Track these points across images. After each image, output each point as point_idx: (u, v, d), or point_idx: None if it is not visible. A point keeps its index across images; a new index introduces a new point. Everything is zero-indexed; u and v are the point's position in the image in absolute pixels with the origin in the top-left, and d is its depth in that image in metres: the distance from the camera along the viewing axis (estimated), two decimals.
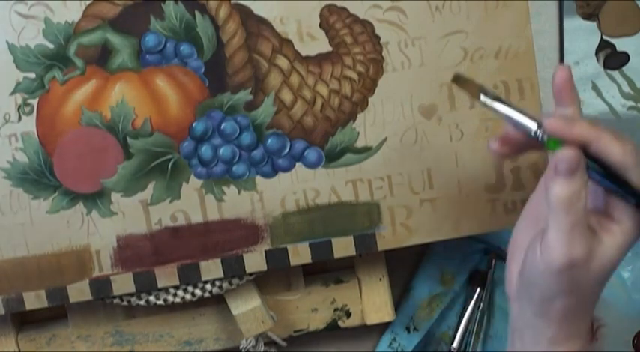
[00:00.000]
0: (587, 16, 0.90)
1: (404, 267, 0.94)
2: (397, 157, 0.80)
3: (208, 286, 0.83)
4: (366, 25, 0.78)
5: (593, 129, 0.63)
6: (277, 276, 0.88)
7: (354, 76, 0.79)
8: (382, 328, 0.94)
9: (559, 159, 0.61)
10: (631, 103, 0.92)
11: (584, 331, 0.67)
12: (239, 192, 0.80)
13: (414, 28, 0.78)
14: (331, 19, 0.78)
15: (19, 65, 0.76)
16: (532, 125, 0.63)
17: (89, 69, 0.77)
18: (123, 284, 0.81)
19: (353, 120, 0.80)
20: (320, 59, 0.78)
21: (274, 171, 0.80)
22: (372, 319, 0.90)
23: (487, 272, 0.94)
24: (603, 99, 0.92)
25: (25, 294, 0.80)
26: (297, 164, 0.80)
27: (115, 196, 0.79)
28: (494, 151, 0.67)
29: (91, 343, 0.88)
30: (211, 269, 0.81)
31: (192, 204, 0.80)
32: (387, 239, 0.82)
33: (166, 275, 0.81)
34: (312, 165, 0.80)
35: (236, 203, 0.80)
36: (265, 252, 0.81)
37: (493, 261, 0.94)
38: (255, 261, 0.81)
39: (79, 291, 0.81)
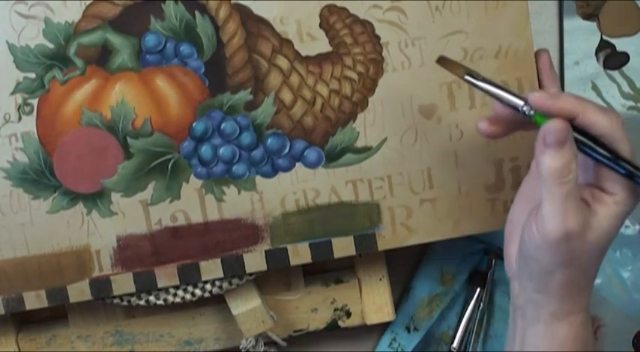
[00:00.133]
0: (587, 16, 0.90)
1: (404, 267, 0.94)
2: (397, 157, 0.80)
3: (208, 286, 0.83)
4: (366, 25, 0.78)
5: (578, 102, 0.64)
6: (277, 276, 0.88)
7: (354, 76, 0.79)
8: (382, 328, 0.94)
9: (547, 131, 0.62)
10: (631, 103, 0.92)
11: (585, 305, 0.68)
12: (239, 192, 0.80)
13: (414, 28, 0.78)
14: (331, 19, 0.77)
15: (19, 65, 0.76)
16: (518, 101, 0.66)
17: (89, 69, 0.77)
18: (123, 284, 0.81)
19: (353, 120, 0.80)
20: (320, 59, 0.78)
21: (274, 171, 0.80)
22: (372, 319, 0.90)
23: (487, 272, 0.94)
24: (603, 99, 0.92)
25: (25, 294, 0.80)
26: (297, 164, 0.80)
27: (115, 196, 0.79)
28: (483, 131, 0.69)
29: (91, 343, 0.88)
30: (211, 269, 0.81)
31: (192, 204, 0.80)
32: (387, 239, 0.82)
33: (166, 275, 0.81)
34: (312, 165, 0.80)
35: (236, 203, 0.80)
36: (265, 251, 0.81)
37: (493, 261, 0.94)
38: (255, 261, 0.81)
39: (79, 291, 0.81)
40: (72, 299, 0.81)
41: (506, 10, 0.79)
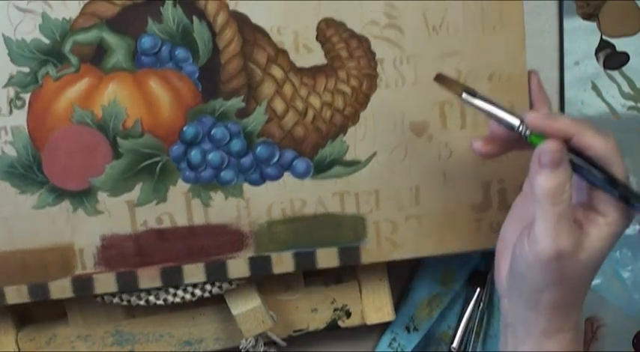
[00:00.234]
0: (587, 16, 0.89)
1: (404, 267, 0.94)
2: (385, 172, 0.80)
3: (208, 286, 0.83)
4: (363, 41, 0.78)
5: (574, 124, 0.65)
6: (277, 276, 0.88)
7: (347, 89, 0.79)
8: (382, 328, 0.94)
9: (542, 152, 0.63)
10: (631, 103, 0.92)
11: (575, 322, 0.69)
12: (226, 198, 0.80)
13: (410, 46, 0.78)
14: (328, 33, 0.78)
15: (13, 58, 0.76)
16: (515, 121, 0.66)
17: (83, 67, 0.77)
18: (105, 283, 0.81)
19: (343, 134, 0.80)
20: (314, 71, 0.78)
21: (262, 179, 0.80)
22: (372, 319, 0.90)
23: (487, 272, 0.94)
24: (603, 99, 0.91)
25: (6, 288, 0.80)
26: (286, 173, 0.80)
27: (102, 195, 0.79)
28: (477, 151, 0.70)
29: (91, 343, 0.88)
30: (194, 273, 0.81)
31: (178, 207, 0.80)
32: (371, 252, 0.82)
33: (149, 277, 0.81)
34: (300, 176, 0.80)
35: (222, 208, 0.80)
36: (249, 258, 0.81)
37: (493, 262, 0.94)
38: (238, 267, 0.82)
39: (60, 288, 0.81)
40: (53, 296, 0.81)
41: (503, 34, 0.79)
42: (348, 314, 0.90)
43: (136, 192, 0.79)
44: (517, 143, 0.68)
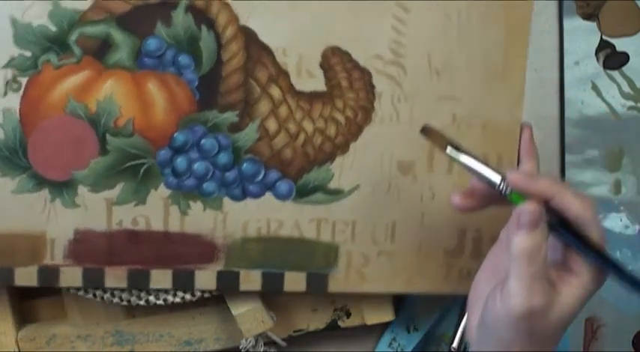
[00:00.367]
0: (587, 16, 0.90)
1: None
2: (365, 205, 0.81)
3: None
4: (365, 73, 0.79)
5: (554, 185, 0.67)
6: None
7: (342, 119, 0.79)
8: (382, 328, 0.94)
9: (522, 212, 0.65)
10: (631, 103, 0.92)
11: None
12: (204, 209, 0.80)
13: (410, 85, 0.79)
14: (332, 61, 0.78)
15: (17, 41, 0.76)
16: (496, 178, 0.67)
17: (85, 59, 0.77)
18: (71, 276, 0.80)
19: (331, 162, 0.80)
20: (312, 97, 0.79)
21: (244, 195, 0.80)
22: (372, 319, 0.90)
23: None
24: (603, 99, 0.92)
25: None
26: (268, 193, 0.80)
27: (82, 189, 0.79)
28: (456, 205, 0.71)
29: (91, 343, 0.86)
30: (161, 279, 0.81)
31: (156, 211, 0.80)
32: (339, 282, 0.83)
33: (115, 276, 0.81)
34: (281, 197, 0.81)
35: (199, 219, 0.80)
36: (218, 272, 0.81)
37: None
38: (205, 279, 0.81)
39: (25, 275, 0.80)
40: (17, 282, 0.80)
41: (503, 84, 0.80)
42: (348, 314, 0.90)
43: (117, 191, 0.79)
44: (496, 199, 0.69)
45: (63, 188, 0.79)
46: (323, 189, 0.81)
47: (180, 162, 0.79)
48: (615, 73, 0.92)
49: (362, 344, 0.96)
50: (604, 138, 0.92)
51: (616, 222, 0.94)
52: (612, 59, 0.92)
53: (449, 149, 0.70)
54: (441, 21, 0.79)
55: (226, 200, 0.80)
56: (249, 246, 0.81)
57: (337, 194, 0.81)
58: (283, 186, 0.80)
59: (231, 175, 0.80)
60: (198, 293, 0.83)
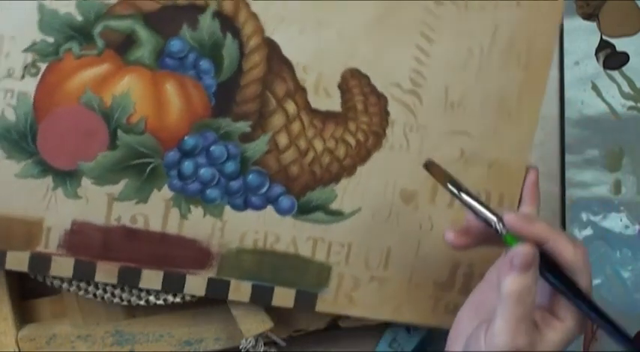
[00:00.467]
0: (587, 16, 0.91)
1: None
2: (364, 229, 0.82)
3: None
4: (381, 99, 0.80)
5: (549, 230, 0.68)
6: None
7: (352, 141, 0.80)
8: (382, 328, 0.94)
9: (516, 254, 0.66)
10: (631, 103, 0.93)
11: None
12: (204, 215, 0.80)
13: (424, 116, 0.80)
14: (351, 83, 0.79)
15: (42, 26, 0.76)
16: (493, 218, 0.68)
17: (107, 52, 0.77)
18: (62, 267, 0.80)
19: (335, 183, 0.81)
20: (326, 116, 0.80)
21: (245, 205, 0.81)
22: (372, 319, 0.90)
23: None
24: (603, 99, 0.93)
25: None
26: (269, 206, 0.81)
27: (86, 181, 0.79)
28: (449, 242, 0.72)
29: (91, 343, 0.86)
30: (152, 279, 0.81)
31: (156, 211, 0.80)
32: (327, 303, 0.83)
33: (106, 272, 0.80)
34: (282, 212, 0.81)
35: (198, 224, 0.80)
36: (209, 278, 0.81)
37: None
38: (195, 284, 0.81)
39: (17, 260, 0.79)
40: (7, 266, 0.79)
41: (515, 125, 0.81)
42: None
43: (120, 187, 0.79)
44: (490, 239, 0.70)
45: (67, 178, 0.78)
46: (324, 209, 0.81)
47: (187, 165, 0.79)
48: (615, 73, 0.93)
49: (362, 344, 0.95)
50: (604, 138, 0.93)
51: (616, 222, 0.94)
52: (612, 59, 0.93)
53: (449, 185, 0.71)
54: (463, 55, 0.80)
55: (227, 208, 0.80)
56: (244, 256, 0.81)
57: (337, 215, 0.81)
58: (286, 201, 0.81)
59: (235, 184, 0.80)
60: None
